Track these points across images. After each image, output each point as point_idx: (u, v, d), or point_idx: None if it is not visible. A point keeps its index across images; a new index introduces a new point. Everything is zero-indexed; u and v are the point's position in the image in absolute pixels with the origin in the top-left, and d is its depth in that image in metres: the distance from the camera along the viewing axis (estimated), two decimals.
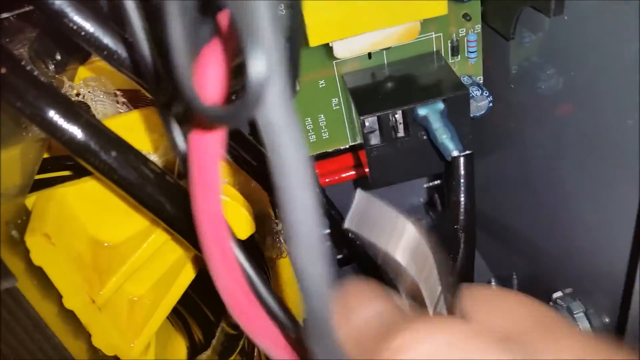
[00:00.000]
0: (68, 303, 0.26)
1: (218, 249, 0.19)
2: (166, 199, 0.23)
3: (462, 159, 0.31)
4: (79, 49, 0.31)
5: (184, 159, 0.19)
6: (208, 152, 0.18)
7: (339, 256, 0.58)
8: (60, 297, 0.26)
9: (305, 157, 0.14)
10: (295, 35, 0.19)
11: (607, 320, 0.34)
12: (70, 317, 0.26)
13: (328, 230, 0.56)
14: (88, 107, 0.35)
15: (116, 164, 0.22)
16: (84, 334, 0.27)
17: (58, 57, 0.34)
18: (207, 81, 0.17)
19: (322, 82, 0.37)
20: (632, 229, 0.29)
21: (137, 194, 0.23)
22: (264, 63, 0.14)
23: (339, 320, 0.17)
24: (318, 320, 0.16)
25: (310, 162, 0.14)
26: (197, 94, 0.15)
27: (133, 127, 0.27)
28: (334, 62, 0.37)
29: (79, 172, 0.27)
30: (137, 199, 0.23)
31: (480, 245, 0.54)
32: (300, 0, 0.20)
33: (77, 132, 0.22)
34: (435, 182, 0.54)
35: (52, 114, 0.21)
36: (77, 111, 0.22)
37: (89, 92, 0.35)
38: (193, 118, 0.17)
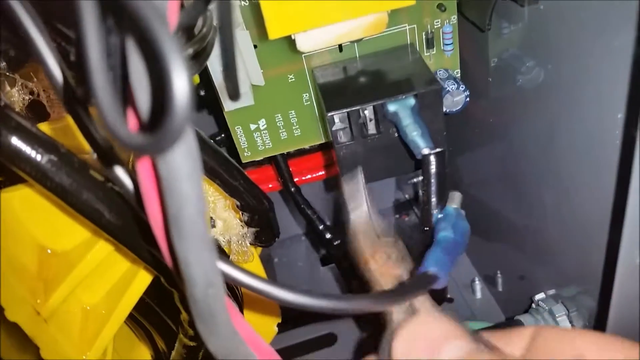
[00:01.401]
0: (11, 316, 0.25)
1: None
2: (105, 207, 0.22)
3: (432, 157, 0.29)
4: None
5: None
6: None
7: (320, 256, 0.57)
8: (2, 309, 0.24)
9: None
10: (226, 26, 0.17)
11: (588, 323, 0.33)
12: (14, 330, 0.25)
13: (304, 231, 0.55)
14: (44, 106, 0.33)
15: (48, 170, 0.21)
16: (31, 347, 0.26)
17: (11, 53, 0.32)
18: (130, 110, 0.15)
19: (291, 76, 0.36)
20: (607, 229, 0.28)
21: (73, 201, 0.22)
22: (187, 82, 0.12)
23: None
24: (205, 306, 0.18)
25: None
26: (118, 119, 0.14)
27: (76, 129, 0.26)
28: (302, 55, 0.35)
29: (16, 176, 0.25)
30: (73, 207, 0.22)
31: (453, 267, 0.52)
32: None
33: (5, 136, 0.20)
34: (419, 178, 0.52)
35: None
36: (7, 114, 0.21)
37: (44, 90, 0.33)
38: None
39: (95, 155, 0.20)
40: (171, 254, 0.18)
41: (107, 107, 0.13)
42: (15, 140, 0.20)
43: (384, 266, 0.25)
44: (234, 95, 0.19)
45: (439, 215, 0.29)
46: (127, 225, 0.23)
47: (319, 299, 0.20)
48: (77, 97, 0.19)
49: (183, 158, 0.14)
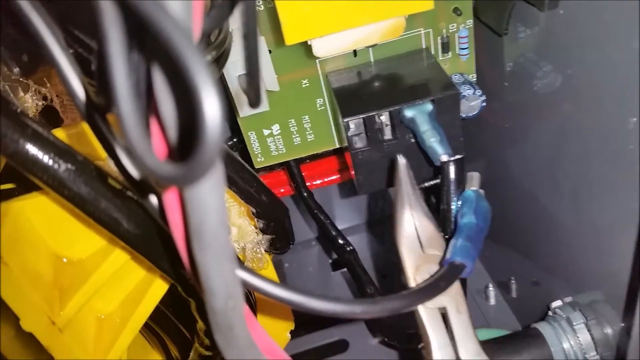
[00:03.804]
0: (26, 325, 0.24)
1: None
2: (123, 216, 0.22)
3: (451, 164, 0.29)
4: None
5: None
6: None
7: (331, 260, 0.56)
8: (17, 319, 0.24)
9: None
10: (251, 33, 0.17)
11: (609, 331, 0.32)
12: (29, 340, 0.25)
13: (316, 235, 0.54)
14: (57, 112, 0.33)
15: (66, 179, 0.20)
16: (45, 357, 0.26)
17: (25, 58, 0.32)
18: (156, 135, 0.15)
19: (305, 81, 0.35)
20: (635, 234, 0.27)
21: (91, 210, 0.21)
22: (218, 107, 0.12)
23: None
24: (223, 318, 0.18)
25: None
26: (147, 149, 0.13)
27: (92, 135, 0.26)
28: (317, 60, 0.35)
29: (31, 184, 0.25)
30: (90, 216, 0.21)
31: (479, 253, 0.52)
32: None
33: (22, 144, 0.20)
34: (431, 183, 0.52)
35: None
36: (23, 121, 0.20)
37: (57, 95, 0.33)
38: None
39: (113, 164, 0.20)
40: (191, 265, 0.18)
41: (135, 137, 0.13)
42: (32, 148, 0.20)
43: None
44: (256, 102, 0.19)
45: (458, 202, 0.29)
46: (145, 234, 0.22)
47: (349, 304, 0.20)
48: (94, 105, 0.19)
49: (209, 179, 0.14)
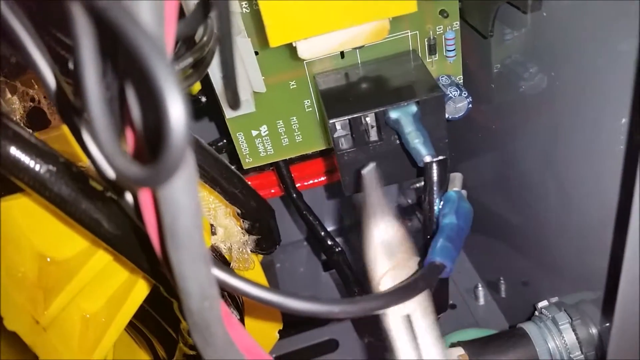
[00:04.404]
0: (9, 325, 0.24)
1: None
2: (103, 216, 0.22)
3: (434, 165, 0.29)
4: None
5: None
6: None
7: (321, 261, 0.56)
8: (1, 319, 0.24)
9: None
10: (226, 36, 0.17)
11: (593, 331, 0.33)
12: (13, 340, 0.25)
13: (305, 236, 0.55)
14: (44, 113, 0.33)
15: (47, 180, 0.21)
16: (30, 356, 0.26)
17: (13, 60, 0.32)
18: (129, 138, 0.15)
19: (292, 83, 0.35)
20: (611, 234, 0.27)
21: (71, 211, 0.21)
22: (182, 110, 0.12)
23: None
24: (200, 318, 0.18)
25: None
26: (115, 150, 0.14)
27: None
28: (304, 62, 0.35)
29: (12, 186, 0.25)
30: (71, 217, 0.22)
31: (468, 249, 0.52)
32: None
33: (3, 146, 0.20)
34: (422, 183, 0.52)
35: None
36: (4, 123, 0.20)
37: (44, 97, 0.33)
38: None
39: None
40: (167, 265, 0.18)
41: (104, 139, 0.13)
42: (13, 150, 0.20)
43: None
44: (234, 104, 0.19)
45: (440, 203, 0.29)
46: (125, 235, 0.23)
47: (325, 304, 0.20)
48: (73, 106, 0.19)
49: (180, 178, 0.14)
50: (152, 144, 0.14)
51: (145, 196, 0.17)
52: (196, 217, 0.16)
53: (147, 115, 0.14)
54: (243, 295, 0.20)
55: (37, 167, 0.21)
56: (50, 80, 0.18)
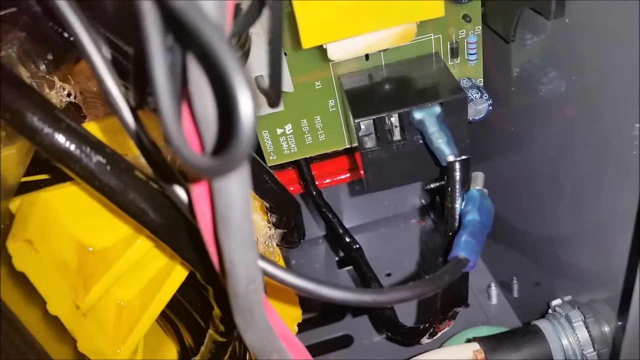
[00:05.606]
0: (52, 309, 0.26)
1: None
2: (149, 206, 0.23)
3: (457, 164, 0.30)
4: (72, 47, 0.30)
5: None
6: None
7: (337, 258, 0.57)
8: (44, 303, 0.25)
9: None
10: (277, 38, 0.18)
11: (606, 329, 0.33)
12: (54, 323, 0.26)
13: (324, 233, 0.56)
14: (79, 108, 0.34)
15: (97, 170, 0.22)
16: (68, 339, 0.27)
17: (50, 56, 0.34)
18: (190, 130, 0.16)
19: (318, 83, 0.37)
20: (630, 235, 0.28)
21: (119, 200, 0.22)
22: (252, 106, 0.13)
23: None
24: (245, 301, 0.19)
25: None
26: (184, 142, 0.15)
27: (118, 130, 0.27)
28: (330, 63, 0.36)
29: (59, 176, 0.26)
30: (119, 206, 0.23)
31: (482, 249, 0.53)
32: (281, 1, 0.19)
33: (57, 137, 0.21)
34: (437, 184, 0.53)
35: (31, 119, 0.21)
36: (58, 115, 0.22)
37: (80, 92, 0.34)
38: None
39: (142, 159, 0.21)
40: (217, 252, 0.19)
41: (173, 131, 0.14)
42: (66, 141, 0.21)
43: None
44: (276, 102, 0.20)
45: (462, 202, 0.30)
46: (169, 223, 0.24)
47: (358, 293, 0.21)
48: (127, 103, 0.20)
49: (238, 172, 0.15)
50: (215, 137, 0.15)
51: (199, 187, 0.18)
52: (247, 207, 0.17)
53: (212, 110, 0.15)
54: (281, 282, 0.21)
55: (88, 158, 0.22)
56: (108, 79, 0.19)
